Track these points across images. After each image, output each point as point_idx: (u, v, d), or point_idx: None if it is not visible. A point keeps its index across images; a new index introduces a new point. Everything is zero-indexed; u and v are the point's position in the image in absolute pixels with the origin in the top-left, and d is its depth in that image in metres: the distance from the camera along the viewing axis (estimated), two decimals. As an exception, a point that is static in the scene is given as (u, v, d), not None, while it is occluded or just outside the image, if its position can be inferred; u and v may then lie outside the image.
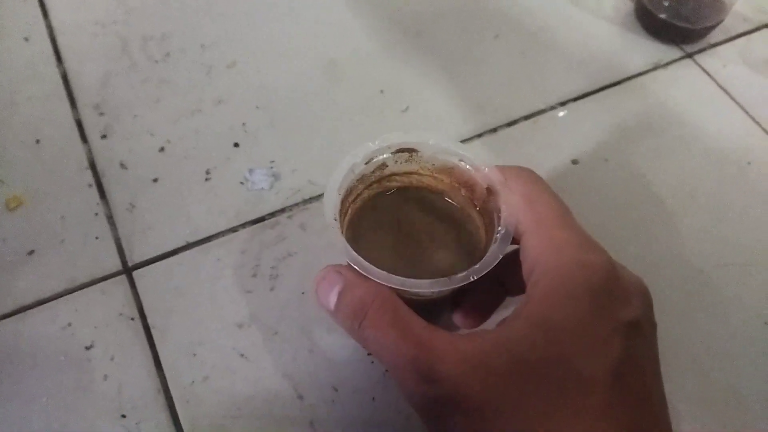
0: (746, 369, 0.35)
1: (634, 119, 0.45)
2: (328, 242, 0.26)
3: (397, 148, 0.30)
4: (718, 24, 0.48)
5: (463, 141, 0.43)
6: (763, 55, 0.49)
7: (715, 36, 0.49)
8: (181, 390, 0.33)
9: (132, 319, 0.35)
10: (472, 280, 0.26)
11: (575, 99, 0.45)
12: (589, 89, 0.46)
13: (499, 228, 0.27)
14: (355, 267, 0.26)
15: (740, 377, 0.35)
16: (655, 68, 0.48)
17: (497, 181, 0.29)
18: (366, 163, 0.30)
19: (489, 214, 0.30)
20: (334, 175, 0.29)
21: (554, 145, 0.43)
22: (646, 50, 0.49)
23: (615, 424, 0.23)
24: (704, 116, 0.45)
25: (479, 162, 0.30)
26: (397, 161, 0.31)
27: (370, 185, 0.31)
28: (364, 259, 0.26)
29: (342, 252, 0.26)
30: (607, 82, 0.46)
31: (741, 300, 0.38)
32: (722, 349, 0.36)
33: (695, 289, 0.38)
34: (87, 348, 0.34)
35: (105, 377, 0.33)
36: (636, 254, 0.39)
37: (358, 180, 0.30)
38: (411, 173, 0.32)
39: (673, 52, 0.49)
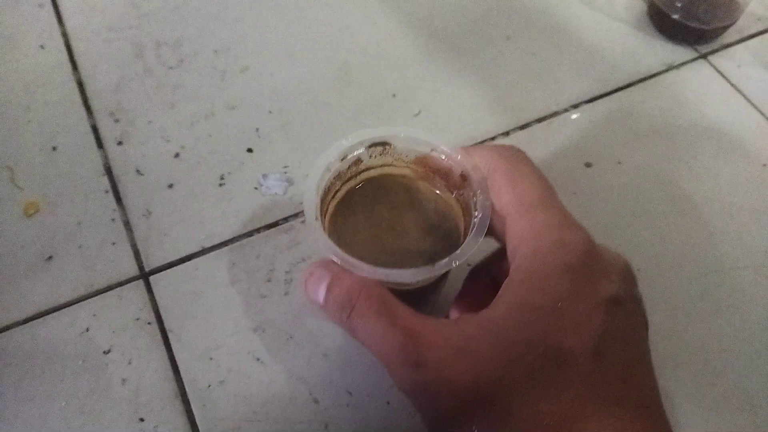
0: (759, 372, 0.35)
1: (647, 121, 0.45)
2: (313, 242, 0.27)
3: (370, 142, 0.31)
4: (731, 24, 0.48)
5: (475, 144, 0.43)
6: (778, 55, 0.49)
7: (728, 36, 0.49)
8: (198, 393, 0.33)
9: (149, 323, 0.35)
10: (455, 266, 0.27)
11: (588, 101, 0.45)
12: (602, 91, 0.46)
13: (476, 213, 0.28)
14: (339, 263, 0.27)
15: (753, 380, 0.35)
16: (668, 69, 0.47)
17: (470, 167, 0.29)
18: (341, 160, 0.30)
19: (466, 200, 0.30)
20: (311, 175, 0.29)
21: (567, 148, 0.43)
22: (659, 51, 0.48)
23: (598, 396, 0.23)
24: (718, 117, 0.45)
25: (451, 149, 0.30)
26: (371, 156, 0.31)
27: (348, 181, 0.32)
28: (349, 254, 0.27)
29: (325, 250, 0.27)
30: (620, 84, 0.46)
31: (756, 302, 0.37)
32: (735, 352, 0.36)
33: (709, 291, 0.38)
34: (105, 352, 0.34)
35: (123, 381, 0.33)
36: (650, 256, 0.39)
37: (335, 177, 0.31)
38: (386, 165, 0.32)
39: (686, 53, 0.48)
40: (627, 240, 0.39)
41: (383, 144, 0.31)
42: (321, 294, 0.27)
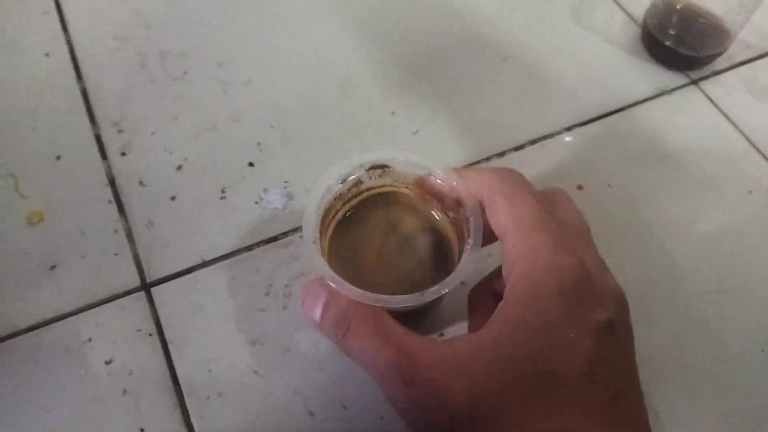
0: (738, 395, 0.36)
1: (638, 145, 0.46)
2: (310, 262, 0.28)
3: (370, 165, 0.32)
4: (722, 52, 0.49)
5: (471, 164, 0.44)
6: (767, 83, 0.50)
7: (719, 63, 0.51)
8: (197, 405, 0.34)
9: (150, 334, 0.36)
10: (443, 293, 0.28)
11: (582, 124, 0.46)
12: (595, 114, 0.47)
13: (468, 240, 0.29)
14: (333, 285, 0.28)
15: (732, 403, 0.36)
16: (660, 94, 0.49)
17: (464, 193, 0.30)
18: (342, 182, 0.32)
19: (460, 225, 0.31)
20: (311, 197, 0.30)
21: (560, 170, 0.44)
22: (651, 76, 0.50)
23: (589, 417, 0.24)
24: (707, 143, 0.46)
25: (447, 175, 0.31)
26: (371, 177, 0.33)
27: (348, 201, 0.33)
28: (345, 275, 0.28)
29: (321, 272, 0.28)
30: (613, 108, 0.48)
31: (738, 327, 0.39)
32: (716, 375, 0.37)
33: (693, 315, 0.39)
34: (107, 362, 0.35)
35: (124, 391, 0.34)
36: (637, 278, 0.40)
37: (335, 198, 0.32)
38: (386, 186, 0.34)
39: (678, 79, 0.50)
40: (615, 261, 0.40)
41: (382, 167, 0.32)
42: (317, 312, 0.28)
